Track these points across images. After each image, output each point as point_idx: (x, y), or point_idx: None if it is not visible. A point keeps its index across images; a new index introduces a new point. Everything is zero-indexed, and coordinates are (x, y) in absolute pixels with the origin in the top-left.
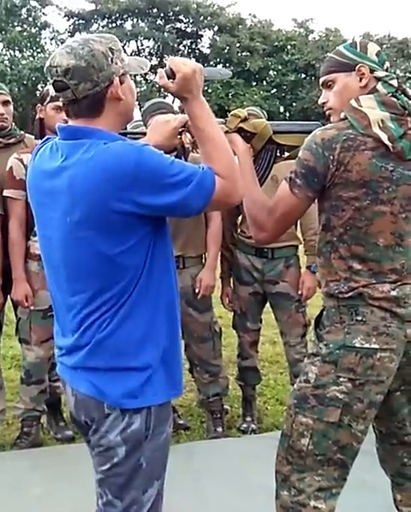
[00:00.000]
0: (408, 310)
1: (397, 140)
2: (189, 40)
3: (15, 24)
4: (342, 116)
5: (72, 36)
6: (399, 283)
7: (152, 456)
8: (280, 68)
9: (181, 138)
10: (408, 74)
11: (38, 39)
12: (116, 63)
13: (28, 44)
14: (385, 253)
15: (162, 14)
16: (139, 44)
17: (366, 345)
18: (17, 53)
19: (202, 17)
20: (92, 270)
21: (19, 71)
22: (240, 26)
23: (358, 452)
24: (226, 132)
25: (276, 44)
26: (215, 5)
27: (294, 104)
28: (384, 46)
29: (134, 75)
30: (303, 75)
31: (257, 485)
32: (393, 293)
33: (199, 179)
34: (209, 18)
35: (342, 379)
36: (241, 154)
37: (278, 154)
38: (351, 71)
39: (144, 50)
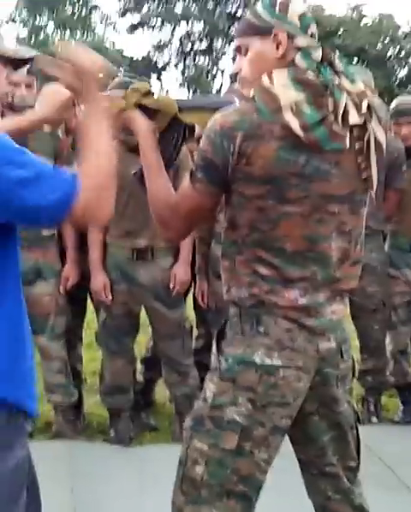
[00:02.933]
0: (320, 321)
1: (312, 128)
2: None
3: (66, 5)
4: (250, 93)
5: (122, 17)
6: (311, 291)
7: None
8: None
9: (75, 111)
10: None
11: (88, 21)
12: None
13: (78, 26)
14: (293, 259)
15: None
16: (189, 26)
17: (268, 361)
18: (67, 34)
19: (253, 1)
20: None
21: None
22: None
23: (263, 482)
24: (124, 109)
25: (328, 28)
26: None
27: None
28: None
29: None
30: (355, 60)
31: None
32: (301, 301)
33: (56, 181)
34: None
35: (240, 399)
36: (143, 135)
37: (187, 135)
38: (267, 37)
39: (194, 33)
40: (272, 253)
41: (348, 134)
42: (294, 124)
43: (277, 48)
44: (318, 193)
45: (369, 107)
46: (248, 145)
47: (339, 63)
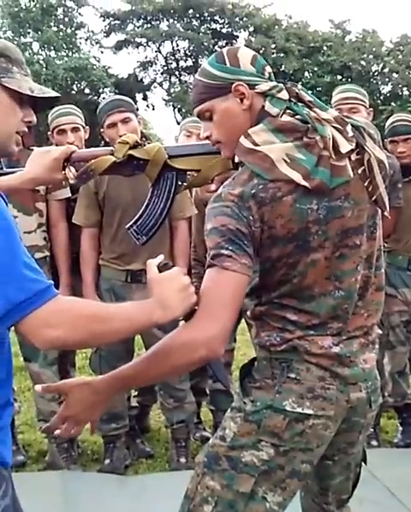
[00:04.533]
0: (353, 370)
1: (313, 173)
2: (224, 41)
3: (51, 24)
4: (236, 159)
5: (107, 36)
6: (344, 338)
7: None
8: (315, 69)
9: (65, 173)
10: None
11: (73, 40)
12: None
13: (63, 45)
14: (323, 301)
15: (197, 15)
16: (174, 44)
17: (298, 409)
18: (52, 53)
19: (238, 18)
20: None
21: (53, 71)
22: (276, 27)
23: None
24: (114, 162)
25: (312, 45)
26: (251, 6)
27: (329, 106)
28: None
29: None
30: (339, 77)
31: None
32: (335, 349)
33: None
34: (244, 19)
35: (263, 443)
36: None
37: (180, 182)
38: (227, 94)
39: (179, 50)
40: (301, 300)
41: (348, 163)
42: (296, 176)
43: (242, 101)
44: (336, 232)
45: (356, 128)
46: (264, 211)
47: (305, 95)
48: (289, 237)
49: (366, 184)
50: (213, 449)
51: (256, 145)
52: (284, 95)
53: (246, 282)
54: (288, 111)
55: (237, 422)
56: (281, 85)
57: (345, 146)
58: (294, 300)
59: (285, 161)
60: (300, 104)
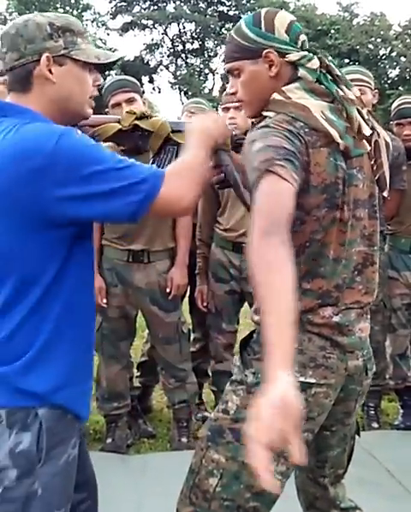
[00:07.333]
0: (351, 339)
1: (343, 136)
2: (231, 24)
3: (57, 6)
4: (270, 115)
5: (113, 18)
6: (343, 308)
7: (51, 482)
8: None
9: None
10: None
11: (79, 21)
12: (56, 41)
13: None
14: (333, 267)
15: None
16: (180, 26)
17: (301, 378)
18: None
19: (245, 0)
20: None
21: None
22: (283, 10)
23: (276, 499)
24: (120, 130)
25: (320, 28)
26: None
27: None
28: None
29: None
30: (346, 60)
31: None
32: (335, 319)
33: (139, 179)
34: (252, 1)
35: None
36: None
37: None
38: (257, 58)
39: (185, 33)
40: (320, 260)
41: (364, 140)
42: (333, 132)
43: (270, 68)
44: (352, 199)
45: (368, 112)
46: (308, 152)
47: (335, 68)
48: (322, 187)
49: (371, 162)
50: (217, 422)
51: (289, 98)
52: (314, 64)
53: (291, 194)
54: (318, 81)
55: (240, 395)
56: (311, 54)
57: (366, 130)
58: (315, 263)
59: (322, 117)
60: (328, 77)
